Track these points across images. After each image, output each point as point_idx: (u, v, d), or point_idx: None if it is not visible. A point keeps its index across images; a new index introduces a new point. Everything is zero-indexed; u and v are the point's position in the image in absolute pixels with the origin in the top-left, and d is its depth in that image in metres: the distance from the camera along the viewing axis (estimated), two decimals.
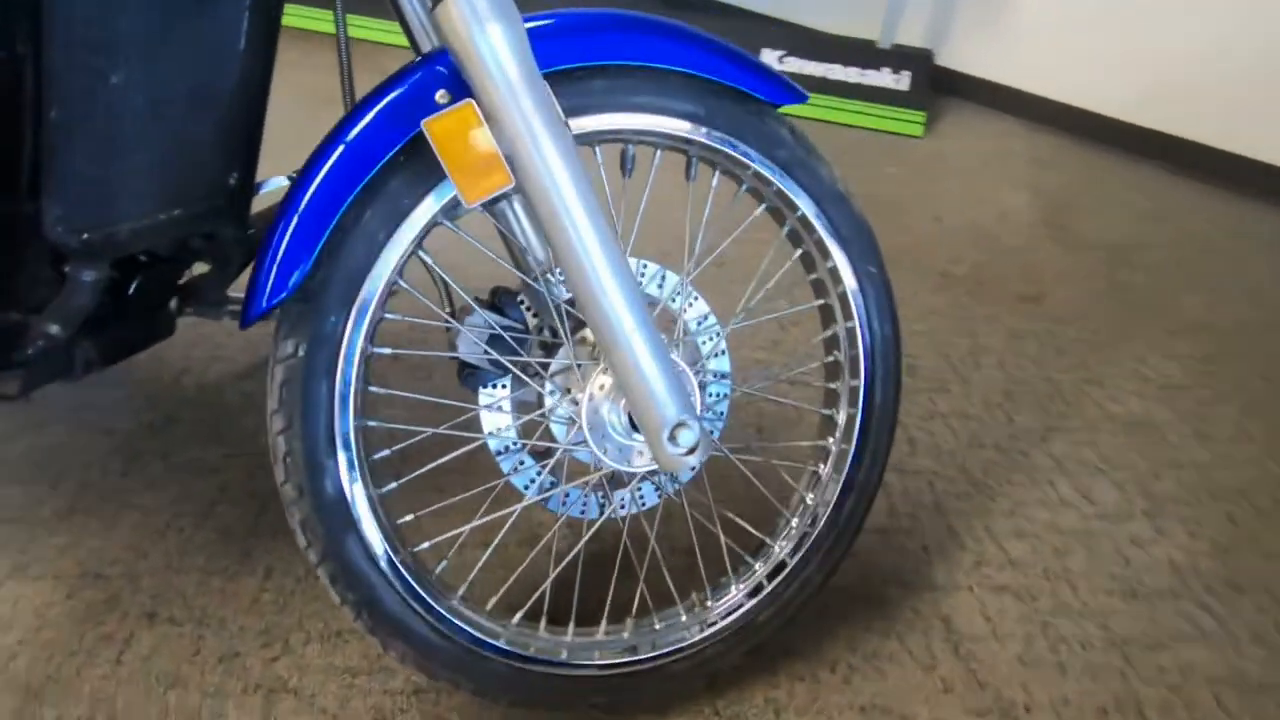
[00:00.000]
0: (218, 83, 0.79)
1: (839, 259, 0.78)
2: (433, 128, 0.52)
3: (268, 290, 0.60)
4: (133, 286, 0.84)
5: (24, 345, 0.74)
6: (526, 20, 0.62)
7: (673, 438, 0.63)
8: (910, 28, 2.66)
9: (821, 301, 0.83)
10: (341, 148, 0.60)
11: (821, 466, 0.85)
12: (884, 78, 2.52)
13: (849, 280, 0.79)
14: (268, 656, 0.84)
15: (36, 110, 0.62)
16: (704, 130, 0.70)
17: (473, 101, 0.53)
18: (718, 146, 0.72)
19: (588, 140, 0.68)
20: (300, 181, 0.60)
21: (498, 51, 0.53)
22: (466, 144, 0.53)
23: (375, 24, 2.93)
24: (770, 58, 2.59)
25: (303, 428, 0.63)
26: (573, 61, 0.63)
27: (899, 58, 2.54)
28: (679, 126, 0.70)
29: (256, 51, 0.81)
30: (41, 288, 0.74)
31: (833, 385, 0.85)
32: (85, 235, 0.71)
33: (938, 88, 2.68)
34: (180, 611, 0.88)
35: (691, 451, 0.63)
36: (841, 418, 0.84)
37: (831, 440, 0.85)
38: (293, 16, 2.88)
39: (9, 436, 1.07)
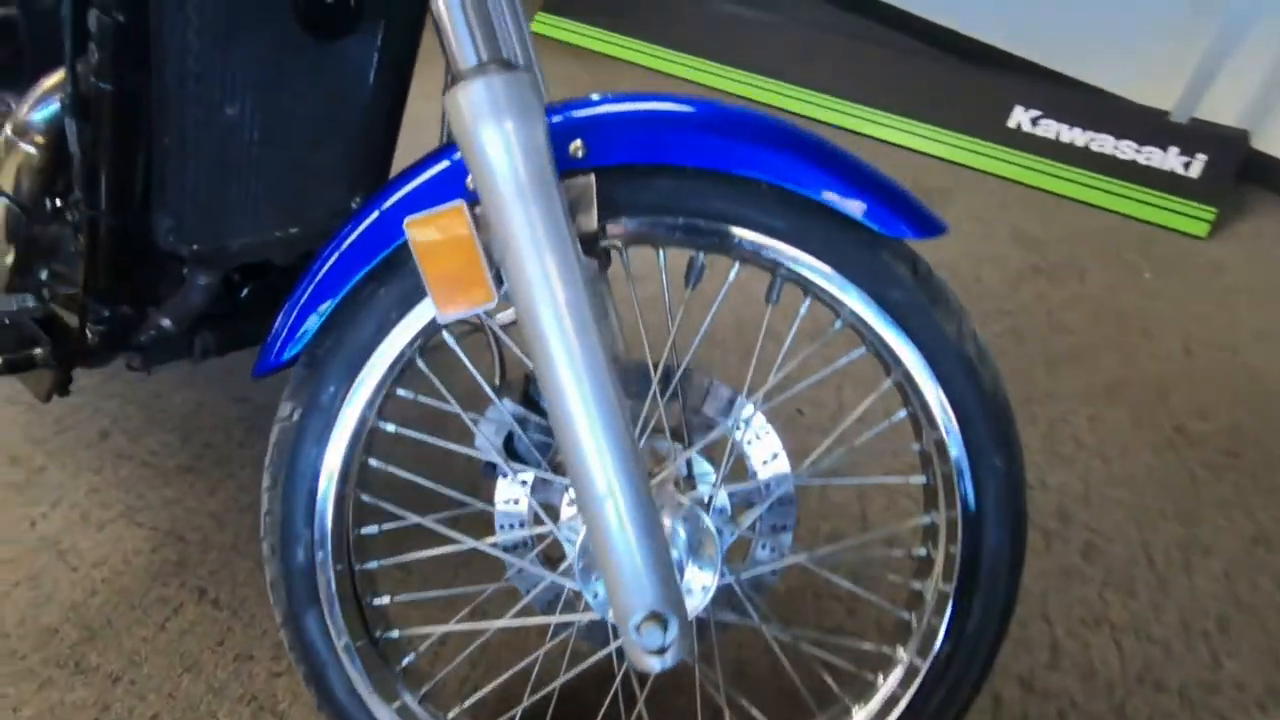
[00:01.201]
0: (343, 115, 0.80)
1: (951, 438, 0.60)
2: (413, 228, 0.45)
3: (277, 348, 0.58)
4: (247, 290, 0.90)
5: (139, 334, 0.82)
6: (579, 106, 0.54)
7: (640, 629, 0.51)
8: (1221, 100, 2.14)
9: (924, 480, 0.65)
10: (374, 215, 0.56)
11: (880, 677, 0.67)
12: (1169, 159, 2.06)
13: (961, 467, 0.60)
14: (274, 669, 0.86)
15: (150, 132, 0.65)
16: (791, 251, 0.57)
17: (464, 204, 0.45)
18: (807, 274, 0.57)
19: (645, 242, 0.58)
20: (330, 243, 0.58)
21: (502, 153, 0.45)
22: (448, 251, 0.46)
23: (610, 37, 3.02)
24: (1021, 117, 2.24)
25: (285, 491, 0.61)
26: (629, 160, 0.53)
27: (1196, 136, 2.05)
28: (759, 240, 0.57)
29: (386, 85, 0.81)
30: (164, 283, 0.81)
31: (917, 585, 0.66)
32: (195, 246, 0.75)
33: (1246, 179, 2.13)
34: (225, 595, 0.93)
35: (661, 653, 0.51)
36: (920, 627, 0.65)
37: (902, 650, 0.66)
38: (561, 30, 3.08)
39: (173, 387, 1.23)
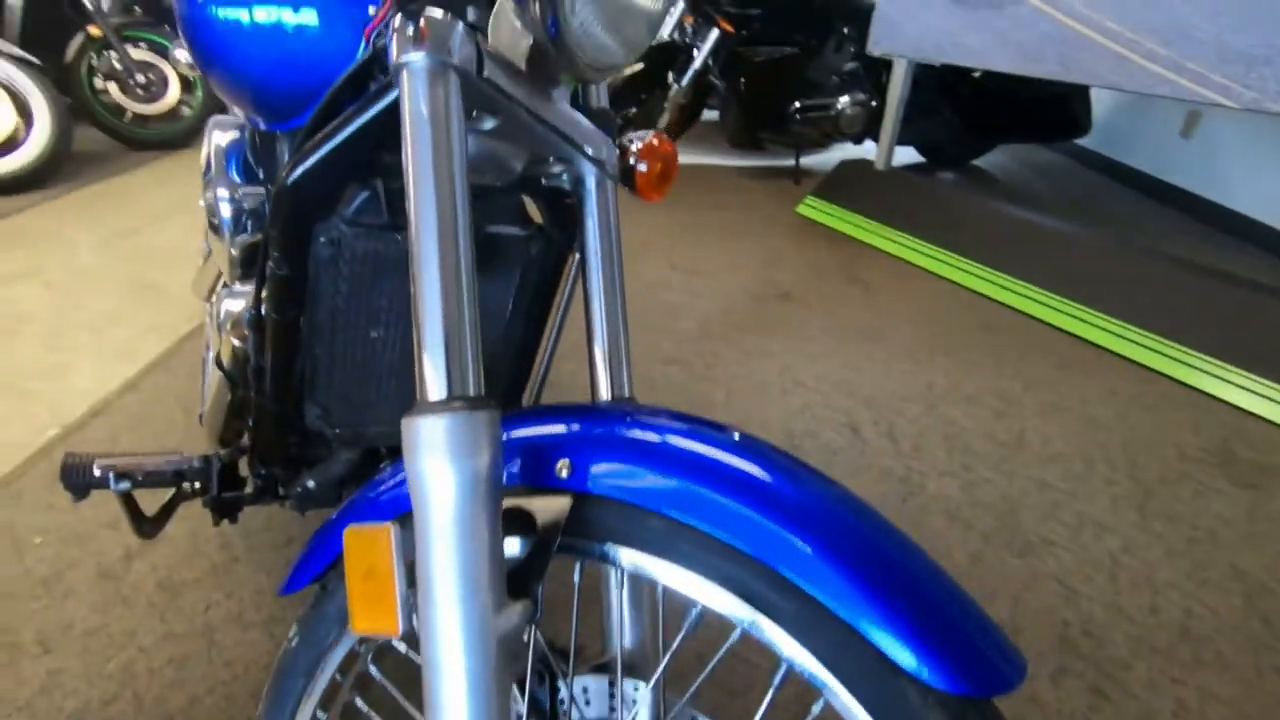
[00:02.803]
0: (483, 336, 0.88)
1: None
2: (350, 537, 0.45)
3: (296, 573, 0.62)
4: (388, 461, 1.00)
5: (290, 489, 0.96)
6: (581, 421, 0.50)
7: None
8: None
9: None
10: (383, 487, 0.58)
11: None
12: None
13: None
14: None
15: (306, 346, 0.78)
16: (804, 656, 0.45)
17: (391, 528, 0.44)
18: (821, 686, 0.45)
19: (632, 575, 0.51)
20: (366, 485, 0.61)
21: (441, 491, 0.43)
22: (370, 569, 0.44)
23: (872, 225, 2.95)
24: None
25: (269, 710, 0.63)
26: (614, 496, 0.48)
27: None
28: (767, 626, 0.46)
29: (524, 314, 0.87)
30: (314, 451, 0.95)
31: None
32: (338, 430, 0.87)
33: None
34: None
35: None
36: None
37: None
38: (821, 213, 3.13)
39: None
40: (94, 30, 3.44)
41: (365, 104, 0.58)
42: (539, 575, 0.47)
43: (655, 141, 0.78)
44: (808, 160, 4.01)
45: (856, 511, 0.46)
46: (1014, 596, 1.27)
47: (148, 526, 0.93)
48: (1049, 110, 3.65)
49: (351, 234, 0.70)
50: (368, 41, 0.54)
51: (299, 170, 0.64)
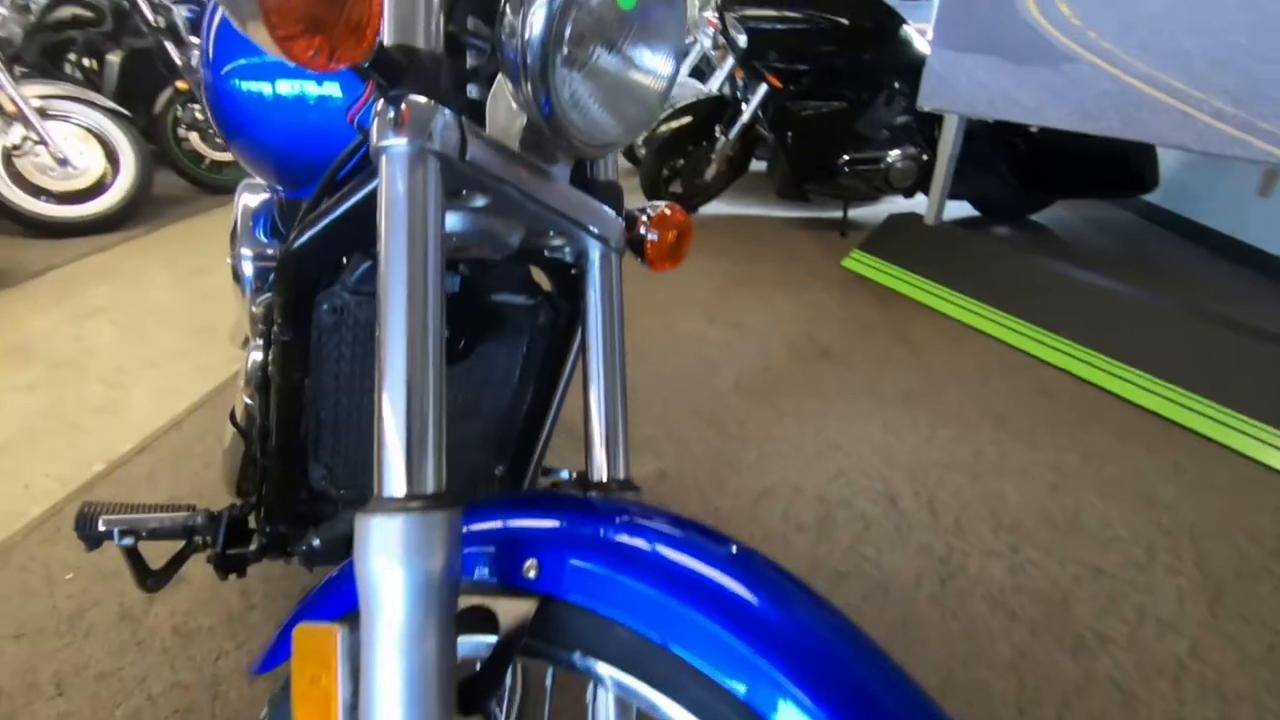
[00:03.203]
0: (488, 402, 0.86)
1: None
2: (299, 635, 0.43)
3: (270, 652, 0.60)
4: None
5: (295, 547, 0.95)
6: (567, 516, 0.47)
7: None
8: None
9: None
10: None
11: None
12: None
13: None
14: None
15: (310, 408, 0.78)
16: None
17: (339, 630, 0.42)
18: None
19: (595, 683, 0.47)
20: (329, 575, 0.59)
21: (391, 593, 0.41)
22: (314, 672, 0.42)
23: (922, 282, 2.87)
24: None
25: None
26: (578, 602, 0.44)
27: None
28: None
29: (533, 381, 0.86)
30: (320, 509, 0.94)
31: None
32: (342, 491, 0.86)
33: None
34: None
35: None
36: None
37: None
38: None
39: None
40: (181, 84, 3.70)
41: (362, 180, 0.59)
42: (495, 687, 0.43)
43: (667, 211, 0.76)
44: (856, 212, 3.96)
45: (858, 651, 0.41)
46: (1063, 699, 1.16)
47: (151, 581, 0.94)
48: (1111, 165, 3.52)
49: (354, 302, 0.70)
50: (350, 123, 0.55)
51: (301, 239, 0.64)
